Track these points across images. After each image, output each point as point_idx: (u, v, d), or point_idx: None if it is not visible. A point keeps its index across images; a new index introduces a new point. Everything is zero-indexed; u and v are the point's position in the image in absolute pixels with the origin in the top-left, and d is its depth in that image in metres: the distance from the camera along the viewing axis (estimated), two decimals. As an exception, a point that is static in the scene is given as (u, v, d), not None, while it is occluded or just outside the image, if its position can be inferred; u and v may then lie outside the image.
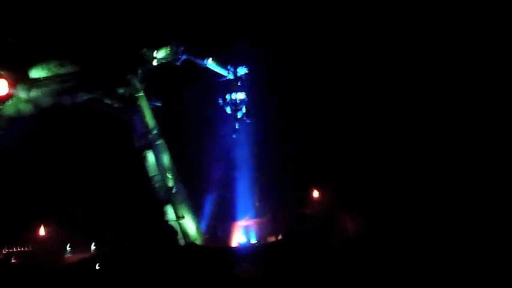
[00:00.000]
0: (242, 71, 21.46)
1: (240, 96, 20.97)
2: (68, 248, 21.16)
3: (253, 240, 22.19)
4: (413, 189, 21.36)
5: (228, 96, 20.98)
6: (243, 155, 22.91)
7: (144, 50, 20.98)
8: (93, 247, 21.21)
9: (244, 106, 21.00)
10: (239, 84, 21.30)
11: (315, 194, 24.18)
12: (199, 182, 22.44)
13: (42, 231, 20.98)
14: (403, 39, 24.38)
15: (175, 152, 21.27)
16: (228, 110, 21.15)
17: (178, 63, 21.04)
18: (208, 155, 22.83)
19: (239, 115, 21.17)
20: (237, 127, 21.36)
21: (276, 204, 23.26)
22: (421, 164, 22.71)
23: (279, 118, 25.05)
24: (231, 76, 21.39)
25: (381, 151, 24.64)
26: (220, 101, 21.16)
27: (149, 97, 21.88)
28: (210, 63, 21.21)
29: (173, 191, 20.68)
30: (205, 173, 22.85)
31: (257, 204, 23.26)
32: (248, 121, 21.52)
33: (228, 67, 21.44)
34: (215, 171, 22.80)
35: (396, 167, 23.29)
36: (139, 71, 21.29)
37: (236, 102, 20.99)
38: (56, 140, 20.96)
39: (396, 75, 24.88)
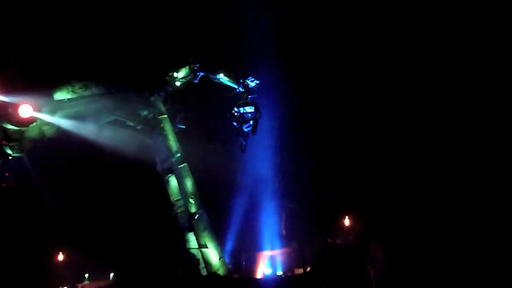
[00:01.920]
0: (252, 82, 19.47)
1: (249, 109, 18.44)
2: (86, 275, 20.72)
3: (279, 272, 21.11)
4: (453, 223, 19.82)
5: (236, 110, 18.44)
6: (268, 180, 21.95)
7: (170, 73, 20.67)
8: (111, 275, 20.66)
9: (252, 120, 18.37)
10: (249, 96, 19.08)
11: (346, 222, 22.96)
12: (223, 209, 21.62)
13: (60, 258, 20.63)
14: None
15: (199, 177, 20.51)
16: (235, 124, 18.51)
17: (196, 81, 20.54)
18: (233, 180, 22.00)
19: (245, 129, 18.43)
20: (243, 143, 18.52)
21: (304, 233, 22.16)
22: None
23: (307, 141, 23.92)
24: (241, 89, 19.52)
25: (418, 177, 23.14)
26: (228, 116, 18.59)
27: (173, 120, 21.50)
28: (222, 77, 20.30)
29: (196, 218, 19.85)
30: (230, 199, 22.03)
31: (284, 233, 22.18)
32: (253, 136, 18.61)
33: (241, 80, 19.58)
34: (240, 197, 21.93)
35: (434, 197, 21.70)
36: (162, 93, 21.03)
37: (244, 116, 18.40)
38: (76, 162, 20.63)
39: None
